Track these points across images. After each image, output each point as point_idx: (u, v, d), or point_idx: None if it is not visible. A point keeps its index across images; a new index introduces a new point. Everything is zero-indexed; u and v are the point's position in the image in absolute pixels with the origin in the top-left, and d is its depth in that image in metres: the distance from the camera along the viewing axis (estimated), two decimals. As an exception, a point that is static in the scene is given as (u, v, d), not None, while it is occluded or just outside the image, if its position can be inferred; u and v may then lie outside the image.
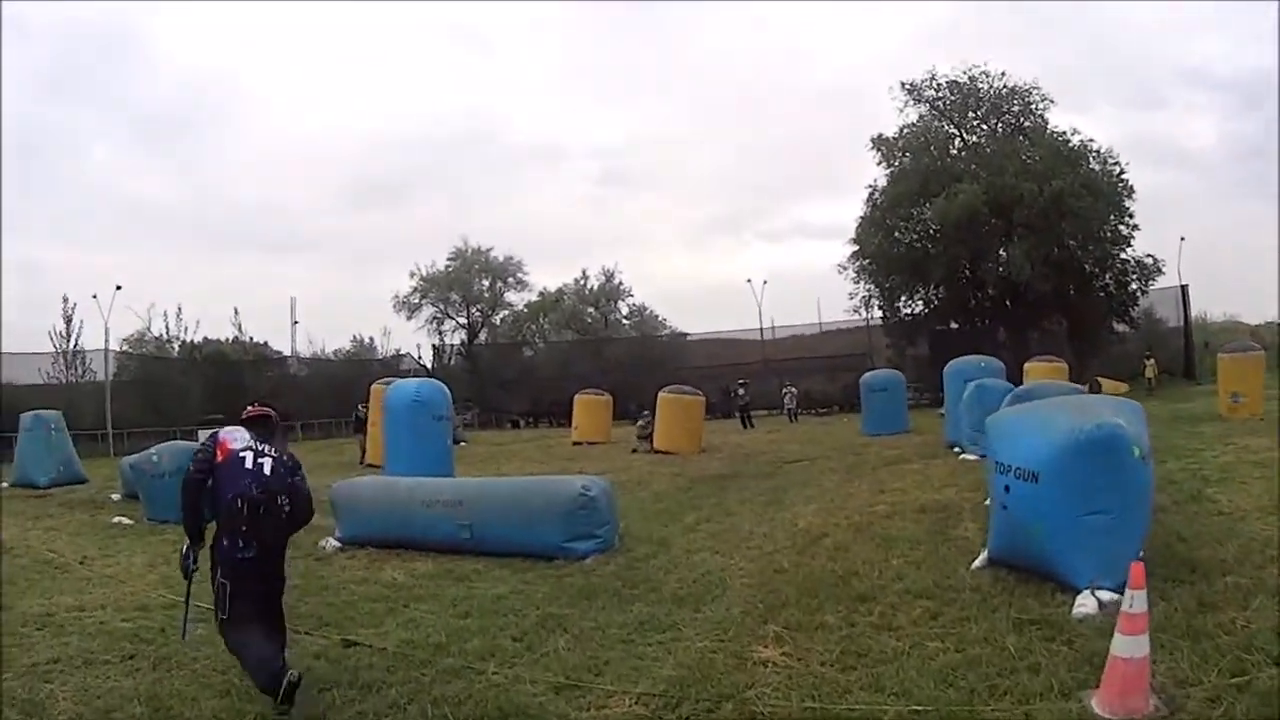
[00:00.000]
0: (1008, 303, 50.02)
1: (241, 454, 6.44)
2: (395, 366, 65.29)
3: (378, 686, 6.56)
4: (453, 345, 74.21)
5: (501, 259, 73.65)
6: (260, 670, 6.12)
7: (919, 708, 5.52)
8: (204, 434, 27.92)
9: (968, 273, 50.28)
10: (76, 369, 54.68)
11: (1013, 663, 6.18)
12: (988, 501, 11.79)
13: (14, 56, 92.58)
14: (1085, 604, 7.11)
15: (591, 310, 75.78)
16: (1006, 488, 8.31)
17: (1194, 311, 51.61)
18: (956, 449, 19.91)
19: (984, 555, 8.85)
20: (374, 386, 27.10)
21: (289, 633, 6.96)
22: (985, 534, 9.58)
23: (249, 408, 7.13)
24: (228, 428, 6.83)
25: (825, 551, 10.18)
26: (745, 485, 17.45)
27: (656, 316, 75.44)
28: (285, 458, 6.73)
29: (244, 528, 6.22)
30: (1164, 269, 48.05)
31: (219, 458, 6.46)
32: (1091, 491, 7.52)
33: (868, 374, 32.58)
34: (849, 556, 9.76)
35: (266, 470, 6.43)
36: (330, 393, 55.33)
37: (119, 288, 50.26)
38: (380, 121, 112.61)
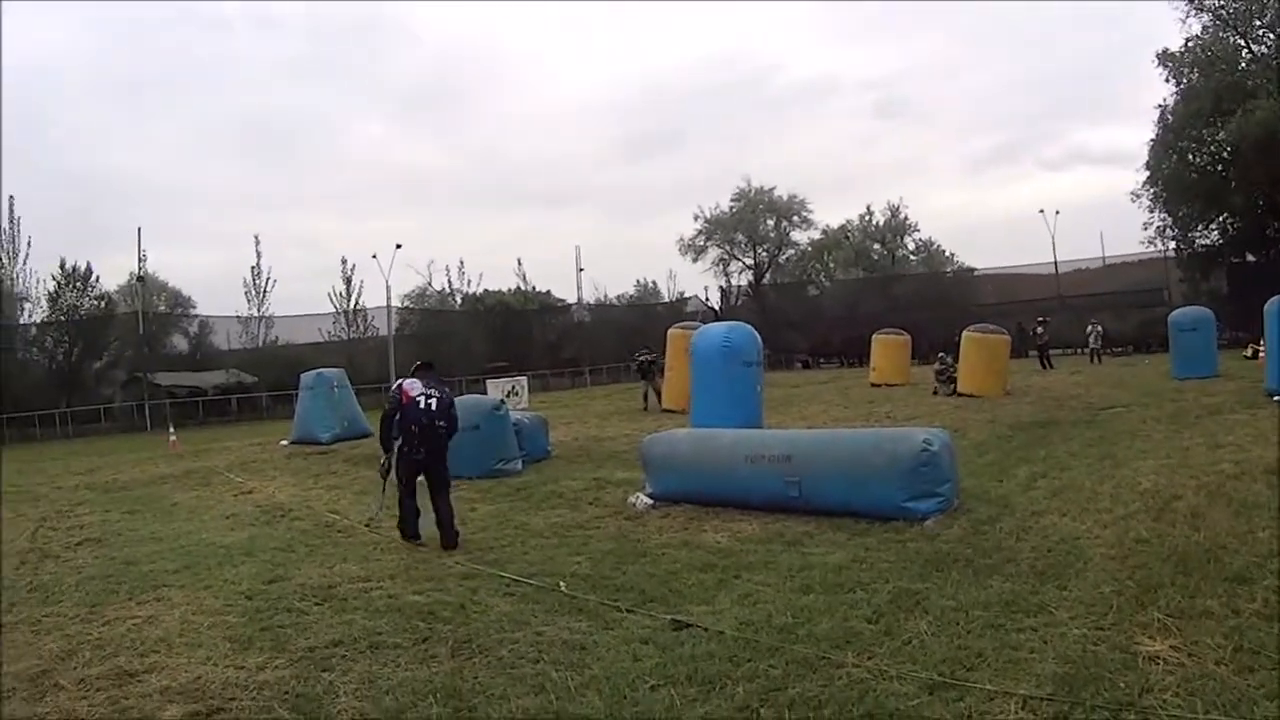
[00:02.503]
0: (1309, 234, 45.24)
1: (417, 398, 10.08)
2: (681, 309, 65.60)
3: (721, 683, 5.59)
4: (739, 286, 74.09)
5: (785, 198, 73.10)
6: (409, 520, 10.32)
7: (1338, 728, 4.46)
8: (497, 385, 28.49)
9: (1264, 199, 45.87)
10: (358, 326, 57.34)
11: None
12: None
13: (265, 47, 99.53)
14: None
15: (877, 246, 74.11)
16: None
17: None
18: (1278, 399, 18.02)
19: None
20: (671, 331, 27.01)
21: (613, 608, 7.34)
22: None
23: (419, 362, 10.86)
24: (408, 380, 10.40)
25: (1182, 518, 9.00)
26: (1068, 434, 16.08)
27: (943, 251, 73.32)
28: (445, 396, 10.33)
29: (416, 441, 10.03)
30: None
31: (404, 401, 10.09)
32: None
33: (1176, 311, 29.48)
34: (1209, 526, 8.58)
35: (433, 406, 10.10)
36: (616, 338, 56.11)
37: (399, 246, 52.62)
38: (650, 73, 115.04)
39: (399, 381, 10.54)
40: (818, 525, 9.78)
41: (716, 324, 20.54)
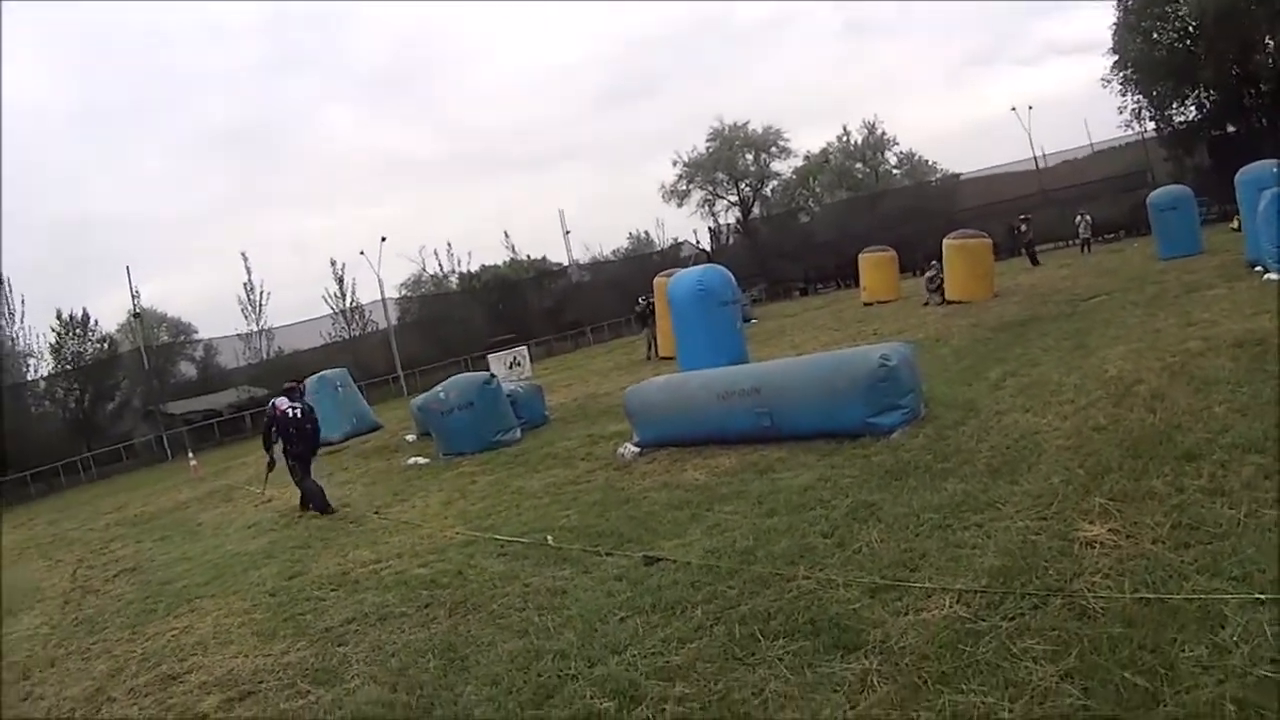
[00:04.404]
0: (1283, 99, 44.21)
1: (287, 410, 13.29)
2: (675, 255, 65.43)
3: (682, 608, 5.95)
4: (728, 224, 73.63)
5: (761, 130, 71.96)
6: (316, 499, 12.98)
7: (1262, 596, 4.48)
8: (498, 359, 28.38)
9: (1236, 69, 44.71)
10: (358, 323, 57.38)
11: (1357, 539, 5.11)
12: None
13: (226, 50, 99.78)
14: None
15: (860, 165, 73.45)
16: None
17: None
18: (1259, 268, 17.50)
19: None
20: (657, 279, 26.82)
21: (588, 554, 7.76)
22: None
23: (286, 384, 14.44)
24: (280, 399, 13.56)
25: (1141, 401, 8.98)
26: (1046, 329, 15.97)
27: (926, 161, 72.56)
28: (307, 408, 13.53)
29: (293, 442, 13.20)
30: None
31: (277, 414, 13.34)
32: None
33: (1154, 192, 28.58)
34: (1167, 406, 8.56)
35: (299, 415, 13.30)
36: (614, 293, 55.89)
37: (384, 239, 52.50)
38: (612, 28, 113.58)
39: (272, 401, 13.91)
40: (790, 451, 9.91)
41: (690, 269, 20.38)
